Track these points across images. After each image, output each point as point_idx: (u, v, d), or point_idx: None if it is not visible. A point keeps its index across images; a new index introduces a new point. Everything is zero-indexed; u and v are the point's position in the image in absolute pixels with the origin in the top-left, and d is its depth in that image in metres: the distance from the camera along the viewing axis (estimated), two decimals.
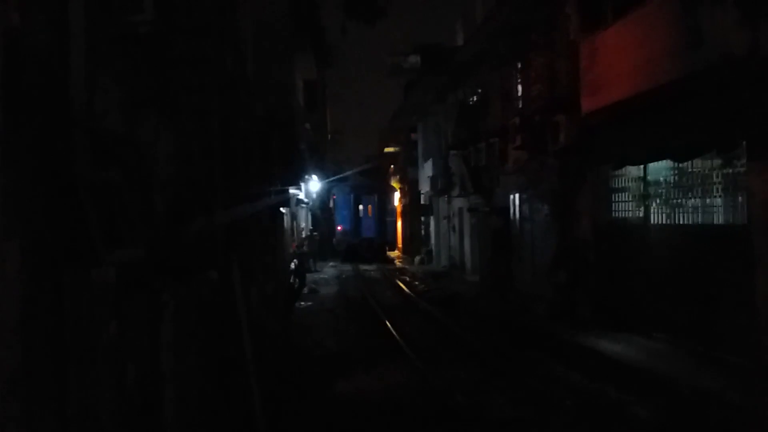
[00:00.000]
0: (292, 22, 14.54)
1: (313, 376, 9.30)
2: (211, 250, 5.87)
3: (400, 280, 22.86)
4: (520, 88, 15.80)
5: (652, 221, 9.98)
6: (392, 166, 46.85)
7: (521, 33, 14.83)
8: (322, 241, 31.51)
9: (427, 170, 29.11)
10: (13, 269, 2.66)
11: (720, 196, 8.48)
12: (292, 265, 18.73)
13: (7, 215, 2.63)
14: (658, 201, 9.88)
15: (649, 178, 10.03)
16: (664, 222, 9.70)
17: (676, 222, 9.38)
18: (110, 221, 3.57)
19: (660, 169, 9.75)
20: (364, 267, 30.47)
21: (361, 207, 47.45)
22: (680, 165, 9.19)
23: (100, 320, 3.36)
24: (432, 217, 29.48)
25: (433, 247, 29.48)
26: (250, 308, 6.95)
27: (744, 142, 7.77)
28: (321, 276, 25.79)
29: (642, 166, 10.07)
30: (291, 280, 17.79)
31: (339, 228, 45.82)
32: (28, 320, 2.77)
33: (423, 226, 32.18)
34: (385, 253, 37.32)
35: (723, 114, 7.83)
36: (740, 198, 8.03)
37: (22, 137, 2.79)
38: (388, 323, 13.41)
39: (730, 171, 8.23)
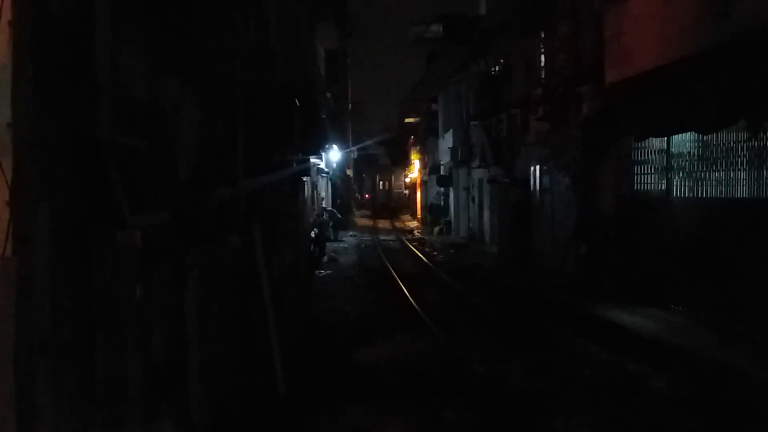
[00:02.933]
0: None
1: (333, 343, 9.42)
2: (233, 217, 5.94)
3: (418, 250, 22.91)
4: (543, 58, 15.61)
5: (674, 194, 9.88)
6: (412, 137, 46.71)
7: (545, 2, 14.59)
8: (342, 210, 31.59)
9: (447, 141, 28.97)
10: (42, 232, 2.72)
11: (745, 170, 8.37)
12: (312, 234, 18.84)
13: (36, 179, 2.69)
14: (681, 174, 9.77)
15: (672, 150, 9.91)
16: (686, 195, 9.61)
17: (699, 195, 9.29)
18: (135, 187, 3.63)
19: (684, 141, 9.63)
20: (383, 237, 30.58)
21: (380, 182, 67.76)
22: (704, 137, 9.06)
23: (127, 283, 3.43)
24: (452, 188, 29.40)
25: (452, 218, 29.45)
26: (272, 274, 7.04)
27: None
28: (341, 245, 25.93)
29: (665, 139, 9.95)
30: (311, 249, 17.93)
31: (367, 196, 66.93)
32: (57, 282, 2.83)
33: (442, 197, 32.14)
34: (396, 214, 51.14)
35: (751, 85, 7.68)
36: (765, 171, 7.92)
37: (50, 104, 2.83)
38: (407, 292, 13.50)
39: (756, 144, 8.11)
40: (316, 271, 17.15)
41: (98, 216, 3.25)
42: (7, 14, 2.50)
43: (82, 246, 3.12)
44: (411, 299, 12.70)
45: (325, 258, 19.82)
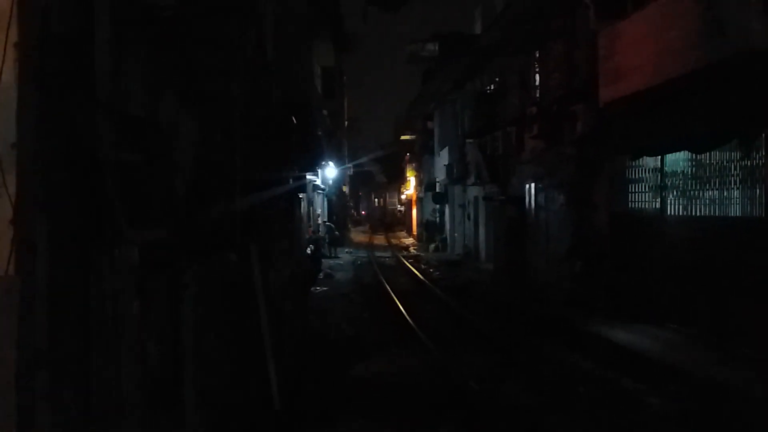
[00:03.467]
0: (312, 9, 14.55)
1: (329, 358, 9.40)
2: (230, 233, 5.96)
3: (414, 267, 22.91)
4: (537, 77, 15.74)
5: (668, 212, 9.95)
6: (408, 154, 46.89)
7: (540, 22, 14.75)
8: (338, 226, 31.61)
9: (443, 158, 29.09)
10: (40, 247, 2.74)
11: (738, 188, 8.44)
12: (308, 251, 18.84)
13: (38, 198, 2.71)
14: (675, 192, 9.85)
15: (666, 169, 9.99)
16: (680, 213, 9.68)
17: (693, 214, 9.36)
18: (133, 203, 3.65)
19: (677, 160, 9.71)
20: (379, 254, 30.57)
21: (375, 199, 76.31)
22: (698, 156, 9.15)
23: (124, 298, 3.44)
24: (447, 205, 29.48)
25: (447, 235, 29.50)
26: (268, 290, 7.05)
27: (763, 134, 7.73)
28: (336, 262, 25.91)
29: (659, 157, 10.04)
30: (307, 264, 17.91)
31: (364, 213, 73.57)
32: (54, 296, 2.85)
33: (438, 214, 32.19)
34: (392, 230, 52.74)
35: (743, 105, 7.78)
36: (758, 190, 7.99)
37: (52, 122, 2.86)
38: (402, 309, 13.49)
39: (749, 163, 8.19)
40: (312, 288, 17.13)
41: (96, 232, 3.27)
42: (13, 36, 2.54)
43: (80, 262, 3.14)
44: (407, 316, 12.69)
45: (321, 275, 19.80)
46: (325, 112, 25.69)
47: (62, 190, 2.99)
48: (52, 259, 2.82)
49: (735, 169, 8.46)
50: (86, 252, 3.20)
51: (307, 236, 20.40)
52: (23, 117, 2.58)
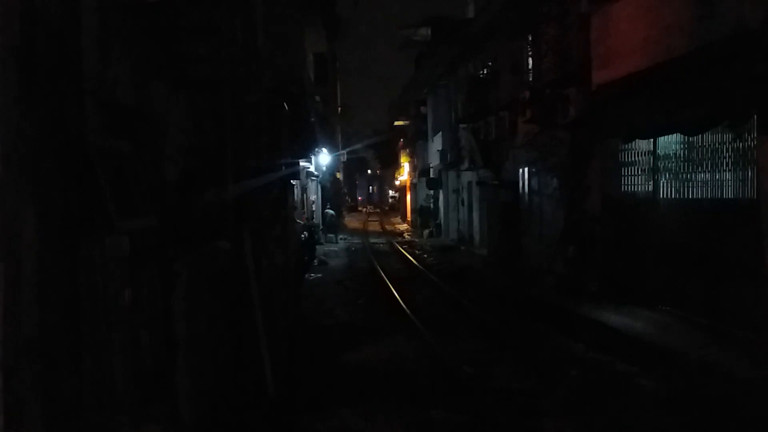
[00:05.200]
0: None
1: (323, 345, 9.43)
2: (222, 220, 5.94)
3: (408, 253, 22.95)
4: (530, 61, 15.70)
5: (661, 195, 9.97)
6: (402, 140, 46.82)
7: (532, 5, 14.68)
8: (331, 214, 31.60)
9: (436, 144, 29.05)
10: (29, 237, 2.73)
11: (730, 171, 8.45)
12: (302, 237, 18.83)
13: (24, 184, 2.69)
14: (667, 175, 9.86)
15: (658, 151, 10.00)
16: (673, 196, 9.70)
17: (686, 196, 9.37)
18: (123, 191, 3.63)
19: (670, 142, 9.72)
20: (373, 240, 30.61)
21: (370, 185, 79.75)
22: (690, 139, 9.15)
23: (114, 288, 3.43)
24: (441, 191, 29.48)
25: (441, 221, 29.53)
26: (261, 278, 7.05)
27: (755, 116, 7.73)
28: (331, 248, 25.93)
29: (652, 140, 10.04)
30: (301, 252, 17.91)
31: (360, 198, 77.08)
32: (44, 286, 2.84)
33: (432, 200, 32.20)
34: (386, 216, 54.47)
35: (735, 87, 7.77)
36: (750, 172, 8.00)
37: (37, 108, 2.84)
38: (396, 295, 13.52)
39: (740, 145, 8.20)
40: (306, 275, 17.14)
41: (86, 220, 3.25)
42: None
43: (69, 250, 3.12)
44: (401, 301, 12.72)
45: (315, 261, 19.81)
46: (317, 98, 25.58)
47: (50, 179, 2.97)
48: (41, 248, 2.80)
49: (727, 151, 8.47)
50: (76, 241, 3.18)
51: (302, 223, 20.39)
52: (5, 102, 2.55)
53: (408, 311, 11.66)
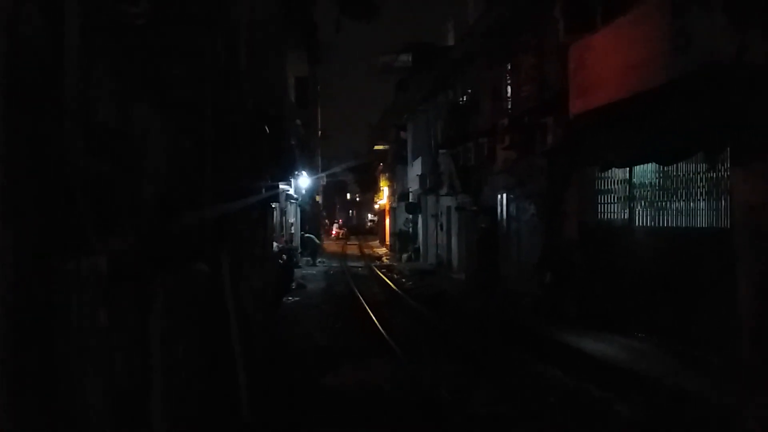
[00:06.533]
0: (286, 19, 14.55)
1: (300, 369, 9.35)
2: (201, 242, 5.91)
3: (387, 277, 22.92)
4: (509, 89, 15.92)
5: (636, 223, 10.10)
6: (381, 164, 47.00)
7: (511, 35, 14.94)
8: (311, 237, 31.52)
9: (416, 168, 29.20)
10: (4, 255, 2.70)
11: (704, 200, 8.60)
12: (280, 261, 18.75)
13: (1, 204, 2.67)
14: (643, 203, 10.00)
15: (634, 180, 10.15)
16: (648, 224, 9.83)
17: (661, 224, 9.51)
18: (101, 212, 3.61)
19: (645, 171, 9.87)
20: (351, 264, 30.54)
21: (349, 208, 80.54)
22: (665, 168, 9.31)
23: (90, 309, 3.40)
24: (420, 215, 29.57)
25: (420, 245, 29.57)
26: (239, 301, 7.00)
27: (728, 147, 7.90)
28: (309, 272, 25.82)
29: (628, 169, 10.19)
30: (279, 275, 17.82)
31: (340, 221, 73.62)
32: (19, 308, 2.80)
33: (411, 224, 32.27)
34: (365, 240, 53.75)
35: (708, 118, 7.95)
36: (723, 202, 8.15)
37: (17, 128, 2.83)
38: (374, 319, 13.48)
39: (714, 175, 8.36)
40: (284, 298, 17.04)
41: (63, 240, 3.22)
42: None
43: (46, 270, 3.09)
44: (379, 326, 12.68)
45: (293, 284, 19.71)
46: (298, 121, 25.66)
47: (29, 199, 2.95)
48: (16, 267, 2.77)
49: (701, 181, 8.62)
50: (53, 261, 3.15)
51: (280, 246, 20.31)
52: None
53: (386, 335, 11.62)
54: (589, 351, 9.06)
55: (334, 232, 61.95)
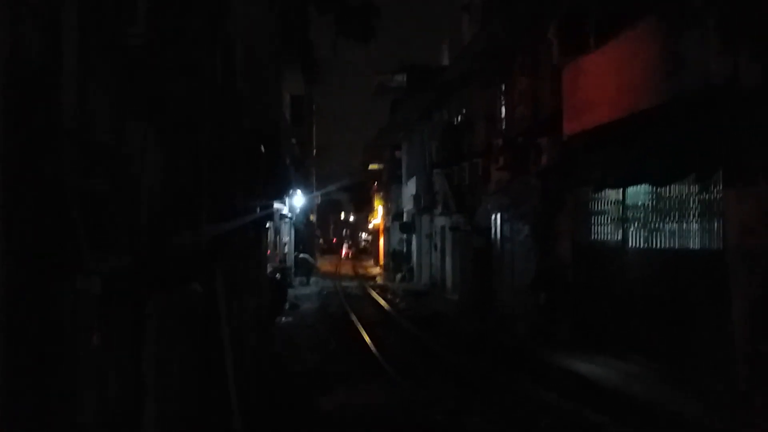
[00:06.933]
0: (282, 38, 14.64)
1: (294, 391, 9.28)
2: (195, 262, 5.89)
3: (381, 297, 22.86)
4: (503, 109, 16.01)
5: (630, 244, 10.12)
6: (376, 183, 47.07)
7: (506, 56, 15.05)
8: (305, 257, 31.45)
9: (410, 188, 29.25)
10: None
11: (696, 222, 8.63)
12: (274, 280, 18.68)
13: None
14: (636, 224, 10.03)
15: (627, 201, 10.18)
16: (641, 245, 9.84)
17: (654, 246, 9.52)
18: (97, 231, 3.60)
19: (638, 193, 9.91)
20: (345, 283, 30.45)
21: (343, 228, 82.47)
22: (658, 190, 9.35)
23: (84, 329, 3.37)
24: (414, 235, 29.56)
25: (414, 265, 29.52)
26: (233, 321, 6.96)
27: (721, 169, 7.94)
28: (302, 291, 25.73)
29: (621, 190, 10.23)
30: (273, 295, 17.73)
31: (335, 240, 78.35)
32: (11, 326, 2.78)
33: (405, 244, 32.24)
34: (359, 259, 54.82)
35: (701, 140, 8.00)
36: (716, 223, 8.17)
37: (13, 145, 2.82)
38: (368, 340, 13.42)
39: (707, 197, 8.39)
40: (278, 318, 16.95)
41: (57, 259, 3.21)
42: None
43: (39, 290, 3.07)
44: (372, 347, 12.62)
45: (287, 305, 19.62)
46: (294, 140, 25.73)
47: (23, 218, 2.93)
48: (8, 287, 2.75)
49: (694, 202, 8.66)
50: (47, 280, 3.13)
51: (274, 265, 20.25)
52: None
53: (380, 357, 11.57)
54: (583, 373, 9.03)
55: (343, 252, 61.67)
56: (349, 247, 64.81)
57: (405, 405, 8.57)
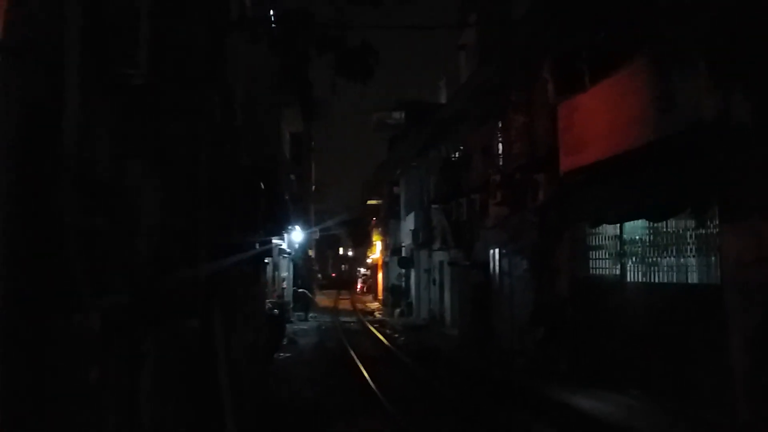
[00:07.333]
0: (281, 78, 14.86)
1: (293, 426, 9.20)
2: (193, 298, 5.91)
3: (379, 332, 22.73)
4: (500, 146, 16.14)
5: (628, 279, 10.14)
6: (374, 219, 47.14)
7: (502, 93, 15.24)
8: (303, 292, 31.36)
9: (408, 223, 29.30)
10: None
11: (694, 256, 8.67)
12: (272, 315, 18.60)
13: None
14: (634, 259, 10.06)
15: (625, 236, 10.23)
16: (639, 280, 9.86)
17: (652, 280, 9.54)
18: (95, 268, 3.63)
19: (636, 228, 9.97)
20: (344, 318, 30.32)
21: (342, 263, 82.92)
22: (655, 224, 9.41)
23: (82, 366, 3.39)
24: (413, 270, 29.51)
25: (413, 300, 29.42)
26: (230, 357, 6.94)
27: (716, 204, 8.01)
28: (300, 327, 25.59)
29: (618, 225, 10.29)
30: (271, 331, 17.65)
31: (333, 275, 77.63)
32: (10, 363, 2.80)
33: (404, 279, 32.17)
34: (353, 286, 60.50)
35: (696, 176, 8.09)
36: (713, 258, 8.21)
37: (14, 182, 2.88)
38: (366, 375, 13.33)
39: (703, 232, 8.44)
40: (276, 354, 16.84)
41: (56, 297, 3.24)
42: None
43: (39, 326, 3.10)
44: (371, 383, 12.53)
45: (285, 340, 19.51)
46: (292, 176, 25.88)
47: (23, 254, 2.98)
48: (8, 323, 2.78)
49: (691, 237, 8.71)
50: (46, 316, 3.16)
51: (273, 301, 20.19)
52: None
53: (379, 393, 11.48)
54: (582, 408, 8.97)
55: (359, 287, 61.19)
56: (364, 282, 64.29)
57: None
